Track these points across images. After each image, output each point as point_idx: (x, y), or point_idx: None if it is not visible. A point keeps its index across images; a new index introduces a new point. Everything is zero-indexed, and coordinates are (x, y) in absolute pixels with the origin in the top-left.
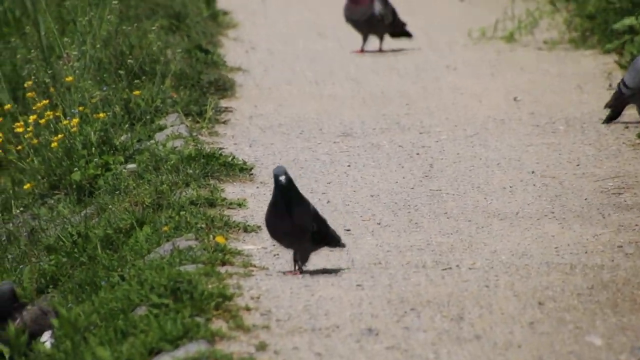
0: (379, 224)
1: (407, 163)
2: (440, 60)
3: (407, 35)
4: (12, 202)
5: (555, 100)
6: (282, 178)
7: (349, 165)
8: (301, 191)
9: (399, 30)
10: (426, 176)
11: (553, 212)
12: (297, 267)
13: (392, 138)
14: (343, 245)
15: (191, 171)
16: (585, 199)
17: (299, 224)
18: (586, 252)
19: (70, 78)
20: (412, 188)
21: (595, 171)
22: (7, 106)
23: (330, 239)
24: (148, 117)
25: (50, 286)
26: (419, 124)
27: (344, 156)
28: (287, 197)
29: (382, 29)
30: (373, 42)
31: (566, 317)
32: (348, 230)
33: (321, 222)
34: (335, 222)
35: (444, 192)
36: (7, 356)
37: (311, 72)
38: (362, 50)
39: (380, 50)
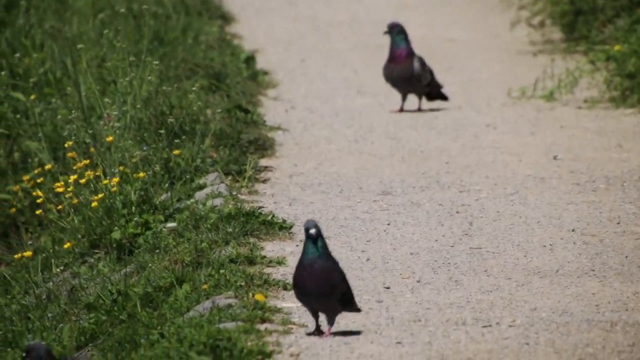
0: (419, 281)
1: (446, 221)
2: (480, 119)
3: (444, 98)
4: (53, 261)
5: (596, 158)
6: (313, 231)
7: (388, 224)
8: (341, 248)
9: (435, 92)
10: (466, 234)
11: (593, 270)
12: (323, 327)
13: (431, 196)
14: (359, 310)
15: (231, 229)
16: (626, 257)
17: (329, 281)
18: (627, 310)
19: (110, 138)
20: (452, 246)
21: (635, 229)
22: (48, 166)
23: (353, 303)
24: (188, 176)
25: (90, 344)
26: (458, 182)
27: (384, 214)
28: (317, 250)
29: (420, 88)
30: (412, 101)
31: None
32: (387, 287)
33: (348, 284)
34: (374, 280)
35: (484, 250)
36: None
37: (350, 130)
38: (401, 109)
39: (420, 109)
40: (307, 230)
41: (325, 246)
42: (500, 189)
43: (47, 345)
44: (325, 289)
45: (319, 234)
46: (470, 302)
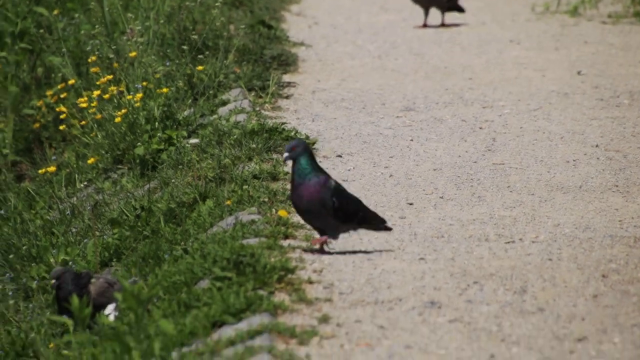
0: (442, 197)
1: (470, 137)
2: (504, 34)
3: (460, 10)
4: (76, 176)
5: (620, 73)
6: (285, 155)
7: (411, 139)
8: (364, 164)
9: (452, 4)
10: (489, 150)
11: (617, 185)
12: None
13: (455, 112)
14: (389, 229)
15: (254, 145)
16: None
17: (316, 198)
18: None
19: (133, 53)
20: (475, 162)
21: None
22: (71, 81)
23: (363, 219)
24: (211, 91)
25: (114, 259)
26: (482, 98)
27: (407, 130)
28: (302, 170)
29: (442, 3)
30: (435, 17)
31: (630, 290)
32: (411, 203)
33: (346, 199)
34: (397, 196)
35: (507, 166)
36: (71, 329)
37: (374, 46)
38: (424, 25)
39: (443, 25)
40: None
41: (310, 164)
42: (523, 104)
43: (72, 268)
44: (313, 206)
45: (292, 157)
46: (493, 218)
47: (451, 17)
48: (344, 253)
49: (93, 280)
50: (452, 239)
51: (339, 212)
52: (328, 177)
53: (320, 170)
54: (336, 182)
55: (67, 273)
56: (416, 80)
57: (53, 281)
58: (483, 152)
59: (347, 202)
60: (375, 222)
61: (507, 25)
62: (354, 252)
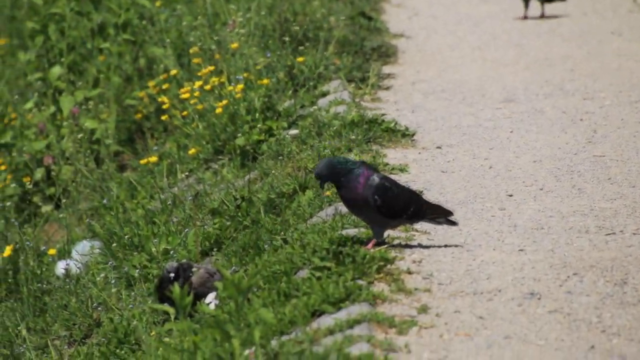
0: (542, 189)
1: (570, 128)
2: (605, 25)
3: None
4: (177, 166)
5: None
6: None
7: (511, 131)
8: (464, 156)
9: None
10: (590, 142)
11: None
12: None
13: (555, 103)
14: (453, 223)
15: (353, 136)
16: None
17: (359, 196)
18: None
19: (235, 45)
20: (575, 154)
21: None
22: (173, 72)
23: (415, 214)
24: (311, 83)
25: (214, 249)
26: (582, 89)
27: (507, 121)
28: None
29: None
30: (535, 8)
31: None
32: (510, 195)
33: (392, 195)
34: (497, 188)
35: (608, 158)
36: (172, 317)
37: (474, 37)
38: (525, 17)
39: (543, 16)
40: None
41: (347, 159)
42: (624, 96)
43: (182, 261)
44: (357, 203)
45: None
46: (593, 210)
47: (551, 8)
48: (442, 245)
49: (194, 269)
50: (552, 230)
51: (383, 209)
52: (373, 171)
53: (363, 163)
54: (381, 178)
55: (181, 267)
56: (516, 71)
57: (171, 275)
58: (583, 144)
59: (392, 199)
60: (437, 216)
61: (608, 17)
62: (453, 243)
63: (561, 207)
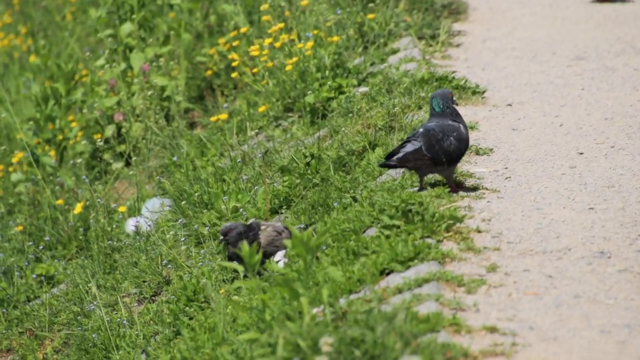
0: (613, 147)
1: None
2: None
3: None
4: (247, 124)
5: None
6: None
7: (582, 89)
8: (534, 113)
9: None
10: None
11: None
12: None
13: (626, 61)
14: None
15: (423, 94)
16: None
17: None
18: None
19: (305, 2)
20: None
21: None
22: (243, 29)
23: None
24: (381, 40)
25: (284, 207)
26: None
27: (578, 79)
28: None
29: None
30: None
31: None
32: (581, 153)
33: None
34: (568, 145)
35: None
36: (241, 275)
37: None
38: None
39: None
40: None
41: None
42: None
43: (240, 224)
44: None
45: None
46: None
47: None
48: (512, 203)
49: (263, 228)
50: (623, 188)
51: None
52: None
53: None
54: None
55: (235, 230)
56: (587, 29)
57: (221, 237)
58: None
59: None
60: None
61: None
62: (523, 201)
63: (632, 165)
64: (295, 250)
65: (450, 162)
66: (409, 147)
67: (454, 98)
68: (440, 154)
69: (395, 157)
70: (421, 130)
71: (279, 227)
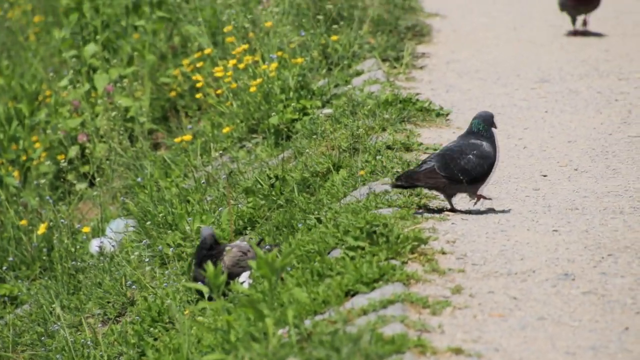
0: (576, 169)
1: (605, 109)
2: None
3: None
4: (211, 145)
5: None
6: None
7: (546, 111)
8: (498, 136)
9: None
10: (625, 122)
11: None
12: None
13: (590, 84)
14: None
15: (387, 116)
16: None
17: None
18: None
19: (269, 23)
20: (610, 134)
21: None
22: (208, 50)
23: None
24: (345, 62)
25: (248, 228)
26: (617, 70)
27: (541, 102)
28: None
29: None
30: None
31: None
32: (544, 175)
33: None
34: (531, 168)
35: None
36: (206, 296)
37: (509, 17)
38: None
39: None
40: None
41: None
42: None
43: (211, 229)
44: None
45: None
46: (628, 190)
47: None
48: (476, 225)
49: (227, 249)
50: (587, 211)
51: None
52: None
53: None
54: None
55: (209, 236)
56: (551, 51)
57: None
58: (618, 125)
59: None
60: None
61: None
62: (487, 223)
63: (596, 188)
64: (260, 272)
65: (471, 181)
66: (423, 167)
67: (493, 120)
68: (456, 173)
69: (403, 176)
70: (438, 151)
71: (245, 247)
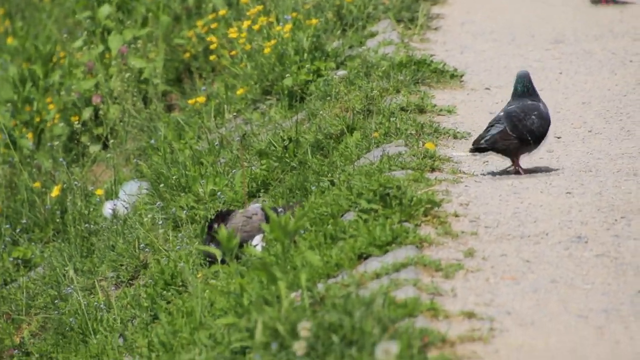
0: (590, 131)
1: (619, 70)
2: None
3: None
4: (225, 106)
5: None
6: None
7: (560, 73)
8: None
9: None
10: (639, 84)
11: None
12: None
13: (604, 45)
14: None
15: (402, 77)
16: None
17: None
18: None
19: None
20: (625, 95)
21: None
22: (222, 12)
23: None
24: (360, 23)
25: (261, 190)
26: (632, 31)
27: (556, 63)
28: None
29: None
30: None
31: None
32: (558, 137)
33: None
34: None
35: None
36: (219, 259)
37: None
38: None
39: None
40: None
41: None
42: None
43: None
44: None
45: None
46: None
47: None
48: (490, 187)
49: (233, 214)
50: (600, 173)
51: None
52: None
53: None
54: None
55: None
56: (565, 12)
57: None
58: (633, 86)
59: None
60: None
61: None
62: (500, 186)
63: (609, 150)
64: (273, 235)
65: (536, 141)
66: (494, 130)
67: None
68: (524, 133)
69: (483, 140)
70: (502, 113)
71: (250, 212)
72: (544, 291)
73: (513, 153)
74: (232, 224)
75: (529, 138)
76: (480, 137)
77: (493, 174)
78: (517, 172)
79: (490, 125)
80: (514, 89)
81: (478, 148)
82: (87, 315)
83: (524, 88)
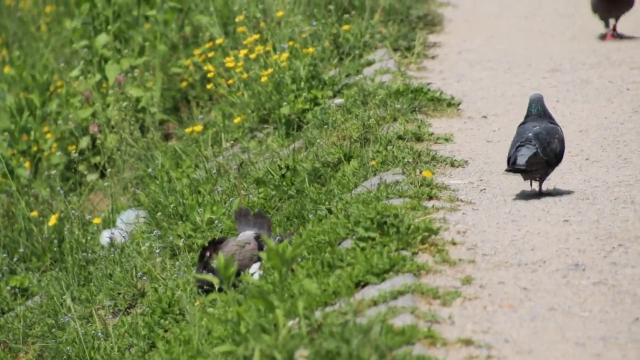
0: (587, 159)
1: (616, 98)
2: None
3: None
4: (222, 135)
5: None
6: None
7: (557, 101)
8: (509, 125)
9: None
10: (636, 112)
11: None
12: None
13: (601, 73)
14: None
15: (399, 106)
16: None
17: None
18: None
19: (280, 13)
20: (622, 123)
21: None
22: (219, 40)
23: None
24: (357, 51)
25: None
26: (629, 60)
27: (553, 91)
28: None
29: None
30: None
31: None
32: None
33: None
34: None
35: None
36: (216, 287)
37: (520, 6)
38: None
39: None
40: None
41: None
42: None
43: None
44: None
45: None
46: (639, 180)
47: None
48: (487, 215)
49: (224, 243)
50: (597, 201)
51: None
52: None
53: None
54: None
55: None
56: (562, 41)
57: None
58: (630, 114)
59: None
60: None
61: None
62: (498, 213)
63: (607, 177)
64: (271, 263)
65: (557, 164)
66: (526, 151)
67: None
68: (552, 156)
69: (518, 163)
70: (530, 134)
71: (242, 241)
72: (541, 319)
73: (540, 175)
74: (224, 252)
75: (555, 160)
76: (514, 157)
77: (490, 201)
78: (540, 194)
79: (520, 145)
80: (527, 113)
81: (516, 169)
82: (84, 343)
83: (539, 113)
